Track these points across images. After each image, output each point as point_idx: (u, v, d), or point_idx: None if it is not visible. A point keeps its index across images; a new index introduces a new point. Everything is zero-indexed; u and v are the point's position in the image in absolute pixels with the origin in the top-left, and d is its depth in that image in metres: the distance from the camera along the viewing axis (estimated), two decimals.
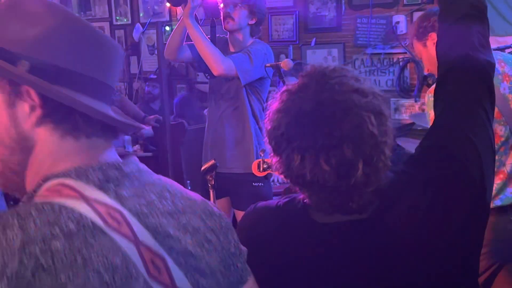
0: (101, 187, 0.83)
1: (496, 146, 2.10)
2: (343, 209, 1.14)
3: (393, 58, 4.57)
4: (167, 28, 5.55)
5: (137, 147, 4.72)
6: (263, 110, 2.94)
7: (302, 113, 1.08)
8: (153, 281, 0.80)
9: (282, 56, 4.91)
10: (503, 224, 2.13)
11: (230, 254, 0.96)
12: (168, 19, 5.72)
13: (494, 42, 3.50)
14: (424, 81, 4.22)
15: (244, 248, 1.01)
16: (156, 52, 5.46)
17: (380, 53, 4.58)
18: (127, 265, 0.77)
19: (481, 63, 1.25)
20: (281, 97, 1.14)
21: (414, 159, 1.24)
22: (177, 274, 0.84)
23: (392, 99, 4.55)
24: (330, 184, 1.08)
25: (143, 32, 5.90)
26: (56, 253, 0.72)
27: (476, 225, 1.18)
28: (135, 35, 5.91)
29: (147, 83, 5.56)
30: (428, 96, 2.22)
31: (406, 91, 4.53)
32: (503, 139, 2.14)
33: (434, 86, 1.41)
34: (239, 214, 3.01)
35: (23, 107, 0.84)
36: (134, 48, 5.90)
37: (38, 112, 0.84)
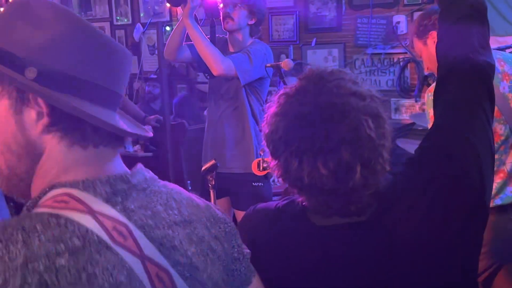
0: (108, 200, 0.82)
1: (496, 145, 2.10)
2: (341, 211, 1.14)
3: (393, 58, 4.56)
4: (168, 28, 5.55)
5: (137, 147, 4.71)
6: (262, 110, 2.94)
7: (300, 116, 1.08)
8: None
9: (283, 56, 4.92)
10: (503, 223, 2.13)
11: (233, 259, 0.97)
12: (168, 19, 5.73)
13: (495, 42, 3.50)
14: (425, 81, 4.22)
15: (247, 251, 1.02)
16: (156, 52, 5.47)
17: (381, 53, 4.58)
18: (132, 282, 0.77)
19: (481, 64, 1.25)
20: (279, 100, 1.14)
21: (414, 160, 1.24)
22: (182, 287, 0.84)
23: (392, 99, 4.55)
24: (328, 187, 1.08)
25: (143, 32, 5.91)
26: (60, 269, 0.71)
27: (475, 225, 1.18)
28: (136, 35, 5.92)
29: (147, 82, 5.57)
30: (428, 95, 2.22)
31: (406, 91, 4.53)
32: (503, 138, 2.14)
33: (434, 85, 1.41)
34: (239, 214, 3.01)
35: (30, 114, 0.83)
36: (134, 48, 5.90)
37: (46, 120, 0.83)
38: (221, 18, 2.97)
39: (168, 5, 2.97)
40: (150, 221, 0.85)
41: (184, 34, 2.94)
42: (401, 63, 4.51)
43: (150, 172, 0.95)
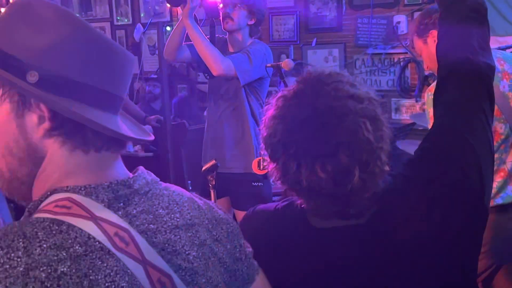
0: (110, 206, 0.82)
1: (496, 144, 2.09)
2: (340, 214, 1.14)
3: (394, 58, 4.56)
4: (168, 28, 5.54)
5: (138, 147, 4.71)
6: (262, 110, 2.94)
7: (298, 120, 1.08)
8: None
9: (283, 56, 4.92)
10: (503, 223, 2.13)
11: (235, 260, 0.97)
12: (169, 19, 5.73)
13: (495, 42, 3.50)
14: (425, 81, 4.22)
15: (249, 250, 1.02)
16: (157, 52, 5.47)
17: (381, 53, 4.58)
18: (134, 287, 0.77)
19: (480, 66, 1.25)
20: (277, 103, 1.14)
21: (413, 162, 1.24)
22: None
23: (393, 99, 4.55)
24: (326, 190, 1.08)
25: (144, 32, 5.91)
26: (62, 276, 0.71)
27: (475, 226, 1.18)
28: (136, 35, 5.92)
29: (148, 82, 5.57)
30: (428, 95, 2.22)
31: (407, 91, 4.53)
32: (503, 137, 2.13)
33: (434, 84, 1.41)
34: (239, 214, 3.01)
35: (32, 118, 0.83)
36: (135, 48, 5.90)
37: (47, 124, 0.82)
38: (221, 18, 2.97)
39: (168, 5, 2.97)
40: (152, 226, 0.85)
41: (184, 34, 2.94)
42: (402, 63, 4.51)
43: (152, 174, 0.95)
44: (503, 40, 3.65)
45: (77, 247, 0.74)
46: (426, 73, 4.10)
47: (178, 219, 0.90)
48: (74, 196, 0.81)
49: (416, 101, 4.43)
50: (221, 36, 3.16)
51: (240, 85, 2.92)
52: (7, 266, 0.70)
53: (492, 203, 2.08)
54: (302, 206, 1.18)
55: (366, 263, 1.13)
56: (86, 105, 0.84)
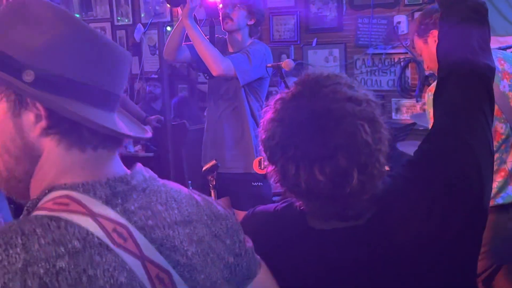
0: (108, 202, 0.82)
1: (496, 144, 2.09)
2: (339, 216, 1.14)
3: (394, 58, 4.56)
4: (169, 28, 5.54)
5: (138, 147, 4.72)
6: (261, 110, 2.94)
7: (296, 123, 1.08)
8: None
9: (283, 56, 4.91)
10: (503, 223, 2.13)
11: (234, 255, 0.97)
12: (169, 19, 5.73)
13: (495, 42, 3.50)
14: (426, 81, 4.22)
15: (249, 245, 1.02)
16: (157, 53, 5.47)
17: (382, 53, 4.58)
18: (132, 283, 0.77)
19: (480, 67, 1.25)
20: (275, 105, 1.14)
21: (413, 162, 1.24)
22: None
23: (393, 99, 4.55)
24: (325, 193, 1.08)
25: (144, 33, 5.91)
26: (61, 272, 0.71)
27: (475, 226, 1.18)
28: (137, 36, 5.92)
29: (148, 82, 5.57)
30: (428, 94, 2.22)
31: (407, 91, 4.53)
32: (503, 136, 2.13)
33: (434, 84, 1.41)
34: (239, 214, 3.01)
35: (29, 117, 0.83)
36: (135, 49, 5.90)
37: (44, 123, 0.83)
38: (221, 18, 2.98)
39: (168, 5, 2.97)
40: (150, 222, 0.85)
41: (184, 34, 2.94)
42: (402, 63, 4.51)
43: (150, 171, 0.95)
44: (503, 40, 3.65)
45: (75, 243, 0.74)
46: (427, 73, 4.10)
47: (176, 215, 0.90)
48: (72, 193, 0.81)
49: (417, 101, 4.43)
50: (220, 36, 3.16)
51: (240, 85, 2.92)
52: (6, 263, 0.70)
53: (493, 203, 2.08)
54: (302, 207, 1.18)
55: (365, 264, 1.13)
56: (83, 103, 0.84)
